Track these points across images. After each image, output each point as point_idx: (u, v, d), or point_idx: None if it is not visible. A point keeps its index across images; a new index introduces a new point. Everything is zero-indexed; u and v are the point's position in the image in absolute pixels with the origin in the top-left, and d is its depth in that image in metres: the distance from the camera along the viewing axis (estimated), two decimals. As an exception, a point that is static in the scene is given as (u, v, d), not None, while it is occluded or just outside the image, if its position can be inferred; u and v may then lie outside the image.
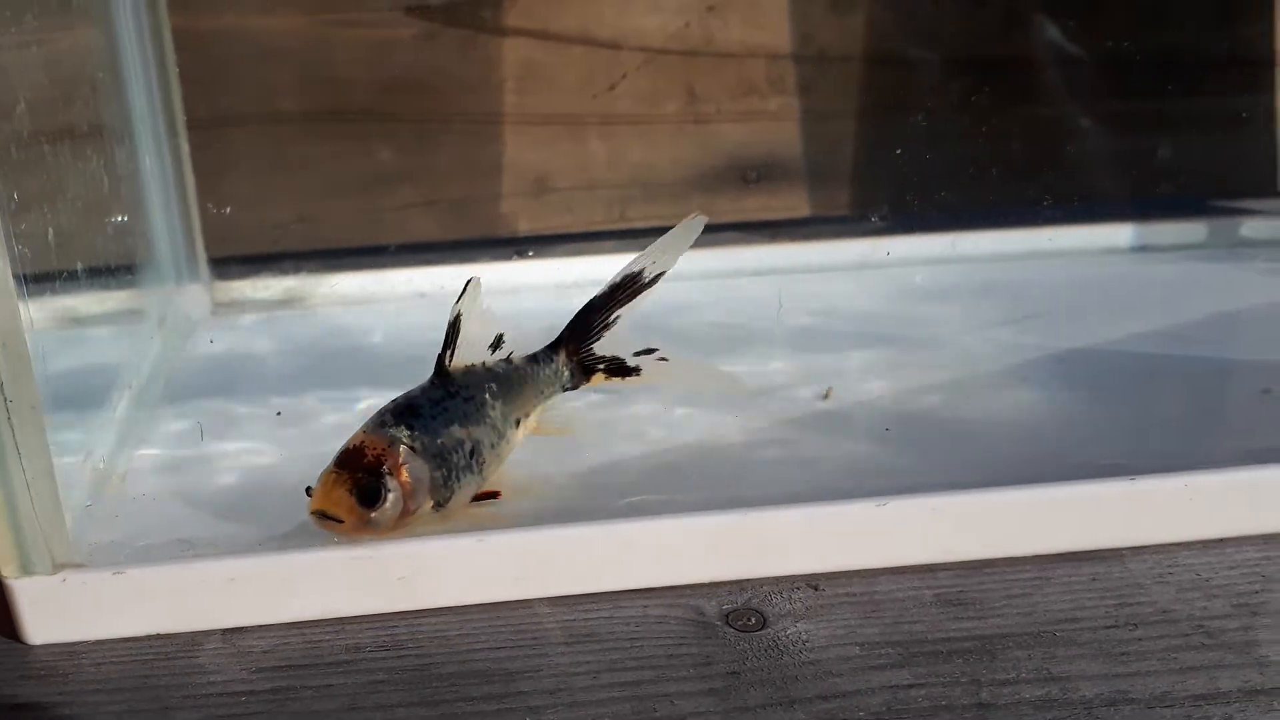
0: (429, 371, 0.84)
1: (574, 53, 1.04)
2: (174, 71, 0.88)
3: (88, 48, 0.77)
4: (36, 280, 0.62)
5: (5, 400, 0.57)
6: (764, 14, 1.04)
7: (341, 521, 0.60)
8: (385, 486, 0.60)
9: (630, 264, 0.69)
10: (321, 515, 0.60)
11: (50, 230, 0.66)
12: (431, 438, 0.63)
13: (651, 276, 0.69)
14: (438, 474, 0.62)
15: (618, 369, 0.70)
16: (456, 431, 0.64)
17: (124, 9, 0.83)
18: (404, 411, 0.63)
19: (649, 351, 0.70)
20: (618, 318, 0.69)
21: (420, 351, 0.87)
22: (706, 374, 0.72)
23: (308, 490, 0.61)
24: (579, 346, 0.70)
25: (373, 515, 0.60)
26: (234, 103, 0.96)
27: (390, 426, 0.62)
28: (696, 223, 0.68)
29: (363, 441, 0.62)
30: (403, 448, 0.62)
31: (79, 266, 0.71)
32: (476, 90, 1.03)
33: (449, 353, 0.66)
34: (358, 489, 0.60)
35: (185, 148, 0.90)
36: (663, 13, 1.02)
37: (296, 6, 0.98)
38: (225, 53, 0.96)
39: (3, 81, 0.61)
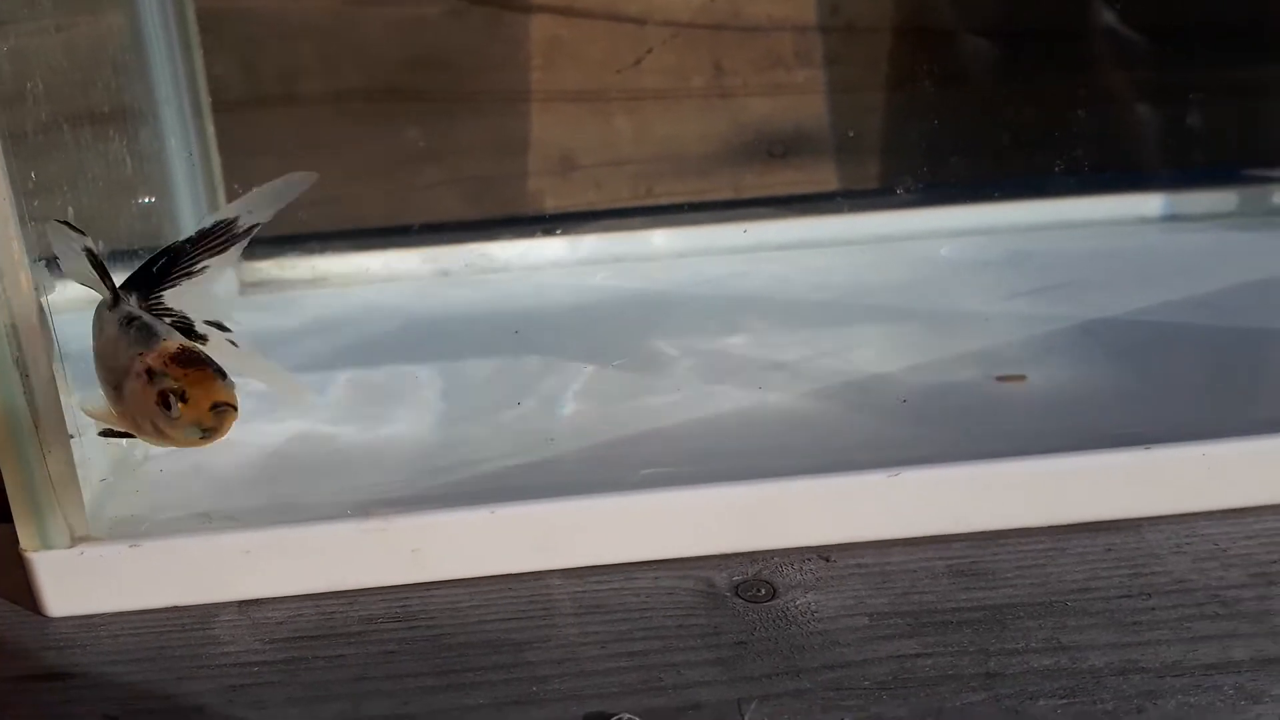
0: (449, 347, 0.85)
1: (599, 28, 1.03)
2: (199, 53, 0.89)
3: (109, 30, 0.78)
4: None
5: (22, 377, 0.58)
6: (790, -14, 1.03)
7: (236, 409, 0.56)
8: None
9: (222, 210, 0.62)
10: (227, 408, 0.56)
11: (71, 211, 0.67)
12: None
13: (245, 228, 0.62)
14: None
15: (183, 328, 0.62)
16: None
17: (148, -9, 0.84)
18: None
19: (222, 327, 0.63)
20: (205, 268, 0.62)
21: (444, 328, 0.89)
22: (267, 373, 0.65)
23: (168, 400, 0.56)
24: (149, 290, 0.62)
25: None
26: (260, 83, 0.97)
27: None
28: (300, 178, 0.62)
29: (182, 344, 0.57)
30: None
31: (100, 247, 0.71)
32: (502, 68, 1.03)
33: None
34: (225, 377, 0.56)
35: (211, 129, 0.90)
36: (688, -13, 1.02)
37: (322, -14, 0.98)
38: (251, 33, 0.96)
39: (19, 65, 0.61)
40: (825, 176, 1.08)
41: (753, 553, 0.65)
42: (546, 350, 0.83)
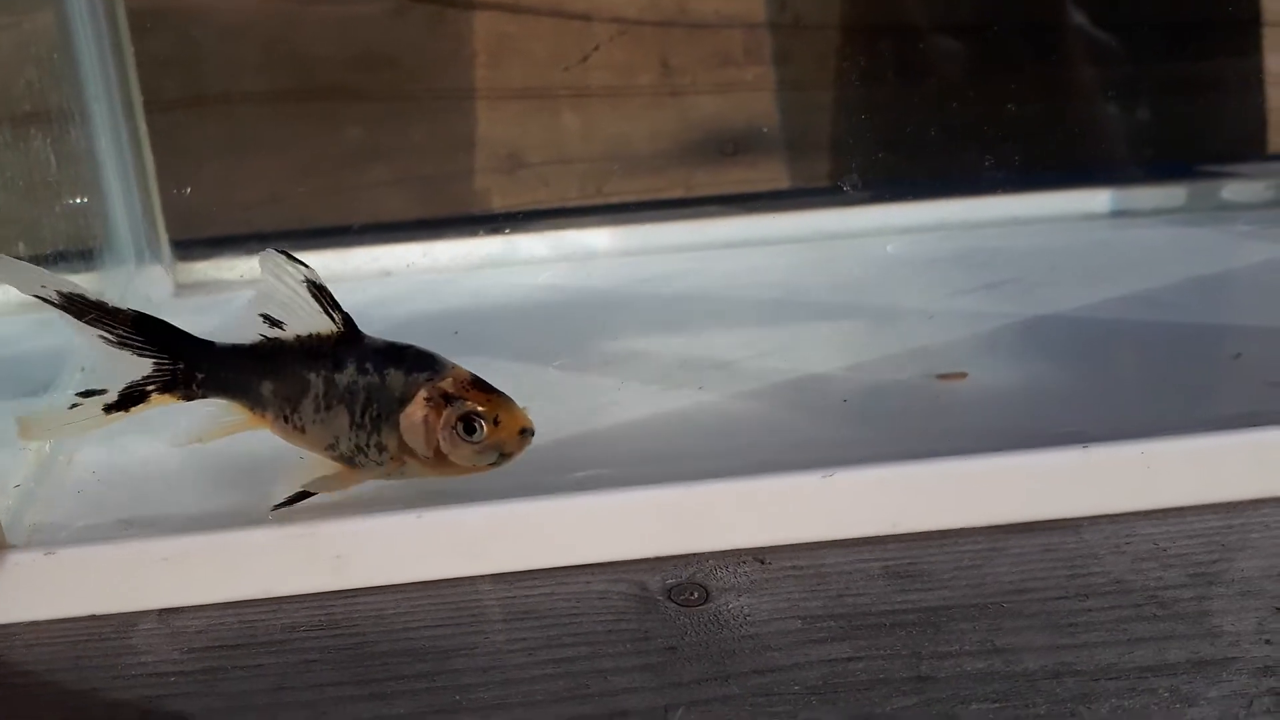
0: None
1: (545, 25, 1.02)
2: (130, 52, 0.87)
3: (34, 30, 0.77)
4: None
5: (-70, 381, 0.56)
6: (738, -18, 1.02)
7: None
8: None
9: None
10: (530, 433, 0.61)
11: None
12: None
13: None
14: None
15: None
16: None
17: (77, -10, 0.83)
18: None
19: None
20: None
21: (380, 329, 0.87)
22: None
23: (473, 424, 0.59)
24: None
25: None
26: (198, 83, 0.95)
27: None
28: None
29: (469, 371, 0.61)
30: None
31: (20, 249, 0.70)
32: (447, 65, 1.02)
33: None
34: None
35: (143, 129, 0.89)
36: (635, -17, 1.01)
37: (262, -16, 0.97)
38: (188, 32, 0.95)
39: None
40: (777, 174, 1.07)
41: (687, 555, 0.63)
42: (485, 351, 0.81)
